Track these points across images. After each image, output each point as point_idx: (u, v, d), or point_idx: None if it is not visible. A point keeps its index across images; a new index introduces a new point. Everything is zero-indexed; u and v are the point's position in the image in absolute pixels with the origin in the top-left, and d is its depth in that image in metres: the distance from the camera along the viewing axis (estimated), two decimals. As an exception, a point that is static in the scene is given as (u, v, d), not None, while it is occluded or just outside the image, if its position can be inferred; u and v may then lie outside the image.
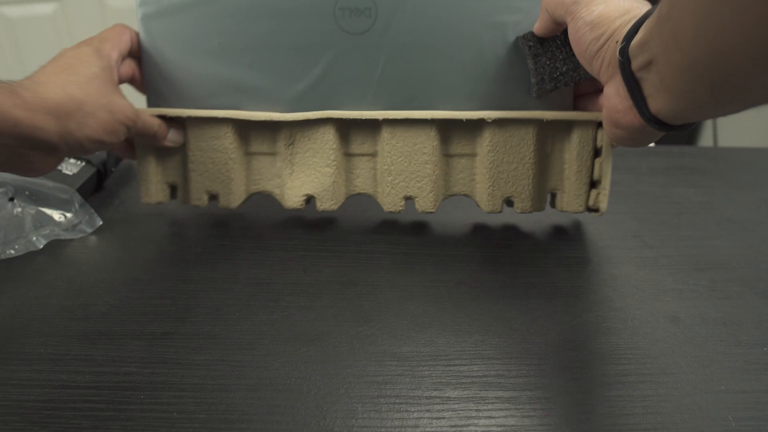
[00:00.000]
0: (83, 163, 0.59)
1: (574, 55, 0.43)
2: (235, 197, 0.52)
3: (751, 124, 1.48)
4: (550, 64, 0.46)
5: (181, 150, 0.51)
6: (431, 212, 0.51)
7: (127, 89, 0.48)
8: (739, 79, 0.26)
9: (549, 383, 0.35)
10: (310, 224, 0.54)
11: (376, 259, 0.48)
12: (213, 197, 0.53)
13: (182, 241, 0.51)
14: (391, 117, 0.48)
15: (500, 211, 0.51)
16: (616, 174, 0.66)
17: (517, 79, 0.48)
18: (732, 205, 0.60)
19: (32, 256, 0.48)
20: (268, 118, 0.48)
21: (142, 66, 0.49)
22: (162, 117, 0.49)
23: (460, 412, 0.33)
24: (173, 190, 0.54)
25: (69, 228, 0.52)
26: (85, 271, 0.46)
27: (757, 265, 0.48)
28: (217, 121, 0.49)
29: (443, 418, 0.32)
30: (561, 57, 0.46)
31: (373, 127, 0.49)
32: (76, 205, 0.53)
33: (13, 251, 0.48)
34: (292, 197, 0.51)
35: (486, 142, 0.49)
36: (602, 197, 0.50)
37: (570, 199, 0.51)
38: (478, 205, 0.52)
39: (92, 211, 0.54)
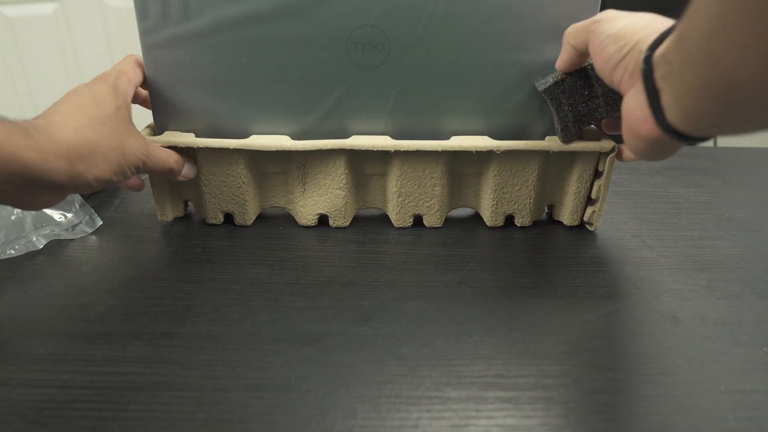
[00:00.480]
0: (83, 163, 0.59)
1: (595, 95, 0.46)
2: (250, 215, 0.53)
3: (751, 124, 1.48)
4: (572, 109, 0.46)
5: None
6: (438, 227, 0.53)
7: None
8: (749, 103, 0.26)
9: (549, 383, 0.35)
10: (310, 225, 0.53)
11: (376, 259, 0.48)
12: (228, 215, 0.54)
13: (182, 241, 0.51)
14: (402, 149, 0.48)
15: (502, 225, 0.54)
16: (616, 174, 0.67)
17: (526, 111, 0.49)
18: (732, 205, 0.60)
19: (32, 256, 0.48)
20: (279, 148, 0.48)
21: (149, 93, 0.49)
22: (174, 147, 0.49)
23: (460, 412, 0.33)
24: (187, 204, 0.55)
25: (69, 228, 0.52)
26: (85, 271, 0.46)
27: (756, 265, 0.48)
28: (229, 149, 0.49)
29: (443, 418, 0.32)
30: (582, 99, 0.46)
31: (384, 152, 0.50)
32: (76, 205, 0.53)
33: (13, 251, 0.48)
34: (306, 215, 0.53)
35: (493, 166, 0.50)
36: (597, 215, 0.52)
37: (567, 214, 0.53)
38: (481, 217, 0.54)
39: (92, 211, 0.54)
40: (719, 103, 0.27)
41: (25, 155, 0.35)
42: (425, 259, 0.49)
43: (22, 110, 1.45)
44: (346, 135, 0.50)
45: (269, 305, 0.42)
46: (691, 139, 0.33)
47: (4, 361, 0.36)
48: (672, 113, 0.32)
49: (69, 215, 0.52)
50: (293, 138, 0.49)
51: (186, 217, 0.55)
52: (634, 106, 0.35)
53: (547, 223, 0.56)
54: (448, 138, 0.50)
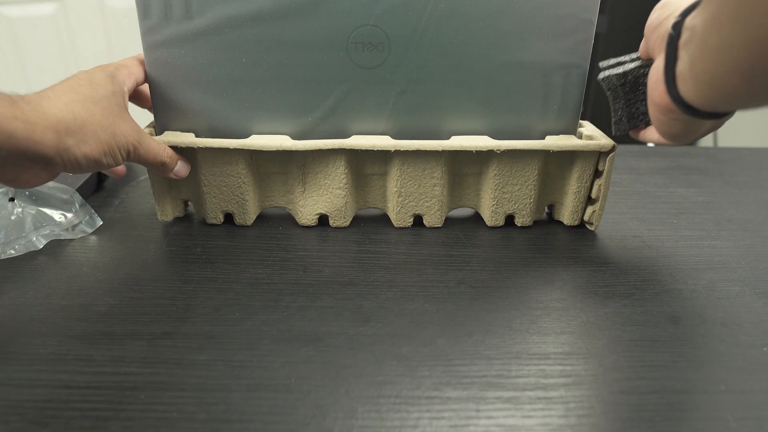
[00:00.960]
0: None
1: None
2: (250, 215, 0.53)
3: (751, 124, 1.48)
4: (628, 107, 0.46)
5: (195, 171, 0.51)
6: (438, 227, 0.53)
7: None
8: None
9: (549, 383, 0.35)
10: (310, 224, 0.53)
11: (376, 259, 0.48)
12: (228, 215, 0.54)
13: (182, 241, 0.51)
14: (403, 148, 0.48)
15: (502, 225, 0.54)
16: (616, 174, 0.67)
17: (526, 111, 0.49)
18: (732, 205, 0.60)
19: (32, 256, 0.48)
20: (279, 148, 0.48)
21: (150, 92, 0.49)
22: (174, 147, 0.49)
23: (460, 412, 0.33)
24: (187, 203, 0.55)
25: (69, 228, 0.52)
26: (85, 271, 0.46)
27: (756, 265, 0.48)
28: (229, 149, 0.49)
29: (443, 418, 0.32)
30: (640, 97, 0.45)
31: (384, 152, 0.50)
32: (77, 205, 0.53)
33: (13, 251, 0.48)
34: (306, 215, 0.53)
35: (493, 166, 0.50)
36: (597, 215, 0.52)
37: (567, 214, 0.54)
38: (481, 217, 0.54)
39: (92, 211, 0.54)
40: (744, 67, 0.27)
41: (11, 125, 0.35)
42: (425, 259, 0.49)
43: (22, 110, 1.45)
44: (346, 135, 0.50)
45: (269, 305, 0.42)
46: (700, 114, 0.33)
47: (4, 361, 0.36)
48: (683, 82, 0.32)
49: (69, 215, 0.52)
50: (293, 138, 0.49)
51: (186, 217, 0.55)
52: (653, 71, 0.35)
53: (547, 223, 0.56)
54: (448, 138, 0.50)
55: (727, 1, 0.27)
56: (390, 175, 0.51)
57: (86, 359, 0.36)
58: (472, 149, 0.49)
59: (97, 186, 0.61)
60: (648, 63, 0.42)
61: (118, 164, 0.43)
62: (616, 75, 0.44)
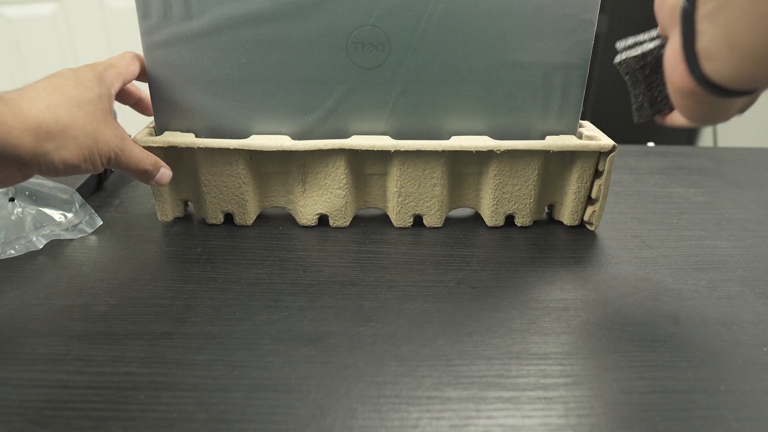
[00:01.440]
0: (83, 163, 0.59)
1: None
2: (250, 215, 0.53)
3: (751, 124, 1.48)
4: (649, 92, 0.42)
5: (194, 171, 0.51)
6: (438, 227, 0.53)
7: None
8: None
9: (549, 383, 0.35)
10: (310, 224, 0.53)
11: (376, 259, 0.48)
12: (228, 215, 0.54)
13: (182, 241, 0.51)
14: (403, 149, 0.48)
15: (502, 225, 0.54)
16: (616, 174, 0.67)
17: (526, 111, 0.49)
18: (732, 205, 0.60)
19: (32, 256, 0.48)
20: (279, 148, 0.48)
21: (150, 92, 0.49)
22: (173, 147, 0.49)
23: (460, 412, 0.33)
24: (187, 203, 0.55)
25: (69, 228, 0.52)
26: (85, 271, 0.46)
27: (756, 265, 0.48)
28: (229, 149, 0.49)
29: (443, 418, 0.32)
30: (663, 79, 0.40)
31: (384, 152, 0.50)
32: (77, 205, 0.53)
33: (13, 251, 0.48)
34: (306, 215, 0.53)
35: (493, 166, 0.50)
36: (597, 215, 0.52)
37: (567, 214, 0.53)
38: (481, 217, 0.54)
39: (92, 211, 0.54)
40: None
41: None
42: (425, 259, 0.49)
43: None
44: (346, 135, 0.50)
45: (269, 305, 0.42)
46: (731, 93, 0.30)
47: (4, 361, 0.36)
48: (711, 60, 0.28)
49: (69, 215, 0.52)
50: (293, 138, 0.49)
51: (186, 217, 0.55)
52: (670, 53, 0.32)
53: (547, 223, 0.56)
54: (448, 138, 0.50)
55: None
56: (390, 175, 0.51)
57: (86, 359, 0.36)
58: (472, 149, 0.49)
59: (97, 186, 0.61)
60: (661, 48, 0.39)
61: (97, 171, 0.42)
62: (634, 57, 0.40)
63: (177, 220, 0.55)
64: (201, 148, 0.49)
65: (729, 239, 0.53)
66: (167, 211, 0.53)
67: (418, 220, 0.54)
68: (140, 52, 0.48)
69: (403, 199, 0.52)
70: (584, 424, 0.32)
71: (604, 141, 0.49)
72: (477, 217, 0.56)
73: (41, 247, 0.49)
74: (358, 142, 0.48)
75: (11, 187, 0.51)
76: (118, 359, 0.36)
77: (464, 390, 0.34)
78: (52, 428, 0.31)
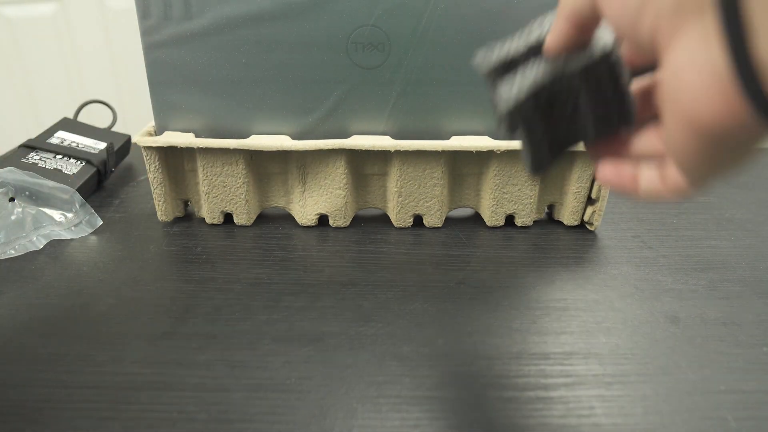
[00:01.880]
0: (83, 163, 0.59)
1: (581, 106, 0.29)
2: (250, 215, 0.53)
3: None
4: (549, 131, 0.30)
5: (194, 172, 0.51)
6: (438, 227, 0.53)
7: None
8: None
9: (549, 383, 0.35)
10: (310, 225, 0.53)
11: (376, 259, 0.48)
12: (228, 215, 0.54)
13: (182, 241, 0.51)
14: (403, 149, 0.48)
15: (502, 225, 0.54)
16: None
17: None
18: (732, 205, 0.60)
19: (32, 256, 0.48)
20: (279, 148, 0.48)
21: (150, 92, 0.49)
22: (173, 147, 0.49)
23: (460, 412, 0.33)
24: (187, 203, 0.55)
25: (69, 228, 0.52)
26: (85, 271, 0.46)
27: (756, 265, 0.48)
28: (229, 149, 0.49)
29: (443, 418, 0.32)
30: (565, 115, 0.29)
31: (384, 152, 0.50)
32: (77, 205, 0.53)
33: (13, 251, 0.48)
34: (306, 215, 0.53)
35: (493, 166, 0.50)
36: (597, 215, 0.52)
37: (567, 214, 0.54)
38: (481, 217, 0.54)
39: (92, 211, 0.54)
40: None
41: None
42: (425, 259, 0.49)
43: (22, 110, 1.45)
44: (346, 135, 0.50)
45: (269, 305, 0.42)
46: None
47: (4, 361, 0.36)
48: None
49: (69, 215, 0.52)
50: (293, 138, 0.49)
51: (186, 217, 0.55)
52: (687, 69, 0.20)
53: (547, 223, 0.56)
54: (448, 138, 0.50)
55: None
56: (390, 175, 0.51)
57: (86, 359, 0.36)
58: (472, 149, 0.49)
59: (97, 186, 0.61)
60: (607, 50, 0.27)
61: None
62: (527, 97, 0.28)
63: (177, 220, 0.55)
64: (201, 148, 0.49)
65: (729, 239, 0.53)
66: (167, 211, 0.53)
67: (418, 220, 0.54)
68: (140, 52, 0.48)
69: (403, 199, 0.52)
70: (584, 424, 0.32)
71: None
72: (477, 217, 0.56)
73: (41, 247, 0.49)
74: (358, 142, 0.48)
75: (11, 187, 0.51)
76: (118, 359, 0.36)
77: (464, 390, 0.34)
78: (52, 428, 0.31)
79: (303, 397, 0.34)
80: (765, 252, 0.51)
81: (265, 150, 0.48)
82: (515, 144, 0.49)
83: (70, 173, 0.57)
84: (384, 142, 0.48)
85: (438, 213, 0.53)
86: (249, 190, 0.51)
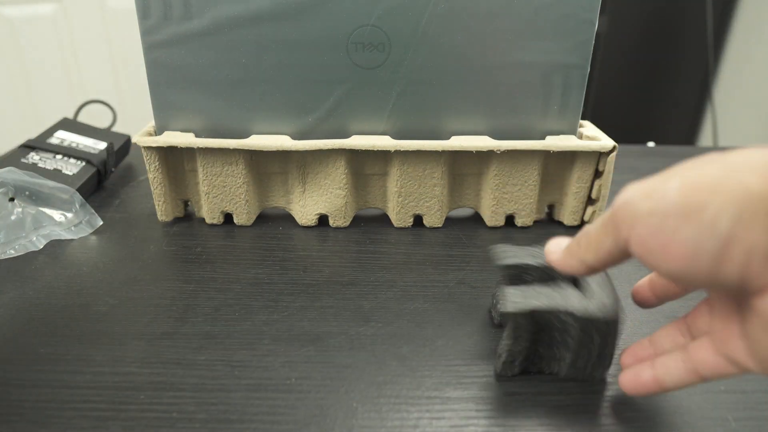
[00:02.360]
0: (83, 163, 0.59)
1: (573, 338, 0.32)
2: (250, 215, 0.53)
3: (751, 124, 1.48)
4: (531, 346, 0.34)
5: (194, 172, 0.51)
6: (438, 227, 0.53)
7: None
8: None
9: (549, 383, 0.35)
10: (310, 225, 0.53)
11: (376, 259, 0.48)
12: (228, 215, 0.54)
13: (182, 241, 0.51)
14: (403, 149, 0.48)
15: (502, 225, 0.54)
16: (616, 174, 0.66)
17: (526, 111, 0.49)
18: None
19: (32, 256, 0.48)
20: (279, 148, 0.48)
21: (150, 92, 0.49)
22: (173, 147, 0.49)
23: (460, 412, 0.33)
24: (187, 203, 0.55)
25: (69, 228, 0.52)
26: (85, 271, 0.46)
27: (757, 265, 0.48)
28: (229, 149, 0.49)
29: (443, 418, 0.32)
30: (551, 338, 0.33)
31: (384, 152, 0.50)
32: (77, 206, 0.53)
33: (13, 251, 0.48)
34: (306, 215, 0.53)
35: (493, 166, 0.50)
36: (598, 215, 0.52)
37: (567, 214, 0.54)
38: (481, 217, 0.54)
39: (92, 211, 0.54)
40: None
41: None
42: (425, 259, 0.49)
43: (22, 110, 1.45)
44: (346, 135, 0.50)
45: (269, 305, 0.42)
46: None
47: (4, 361, 0.36)
48: None
49: (69, 215, 0.52)
50: (293, 138, 0.49)
51: (186, 217, 0.55)
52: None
53: (547, 223, 0.56)
54: (448, 138, 0.50)
55: None
56: (390, 175, 0.51)
57: (86, 359, 0.36)
58: (472, 149, 0.49)
59: (97, 186, 0.61)
60: (610, 316, 0.31)
61: None
62: (532, 310, 0.31)
63: (177, 220, 0.55)
64: (201, 148, 0.49)
65: (729, 239, 0.53)
66: (167, 211, 0.53)
67: (418, 220, 0.54)
68: (140, 52, 0.48)
69: (403, 199, 0.52)
70: (585, 424, 0.32)
71: (605, 141, 0.49)
72: (477, 217, 0.56)
73: (41, 247, 0.49)
74: (358, 142, 0.48)
75: (11, 187, 0.51)
76: (118, 359, 0.36)
77: (464, 390, 0.34)
78: (52, 428, 0.31)
79: (303, 397, 0.34)
80: (765, 252, 0.50)
81: (265, 150, 0.48)
82: (515, 144, 0.49)
83: (70, 173, 0.57)
84: (384, 142, 0.48)
85: (438, 213, 0.53)
86: (249, 190, 0.51)
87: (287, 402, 0.33)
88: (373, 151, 0.49)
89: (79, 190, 0.55)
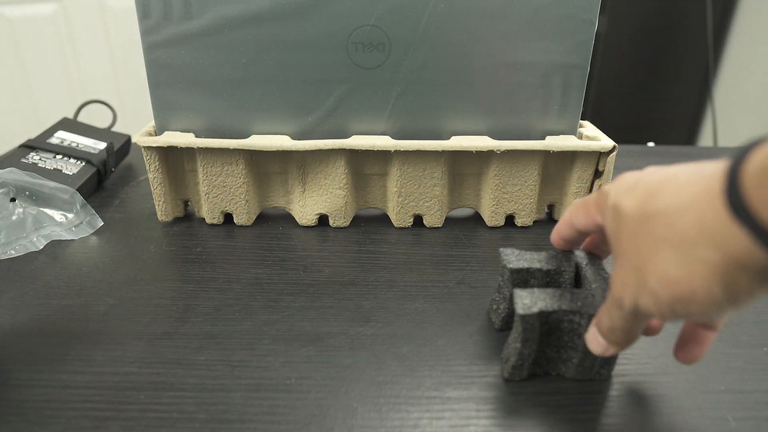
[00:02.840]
0: (83, 163, 0.59)
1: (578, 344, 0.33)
2: (250, 215, 0.53)
3: (751, 124, 1.48)
4: (540, 348, 0.35)
5: (194, 172, 0.51)
6: (438, 227, 0.53)
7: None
8: None
9: (548, 383, 0.35)
10: (310, 225, 0.53)
11: (376, 259, 0.48)
12: (228, 215, 0.53)
13: (182, 241, 0.51)
14: (403, 149, 0.48)
15: (502, 225, 0.53)
16: (617, 174, 0.66)
17: (526, 111, 0.49)
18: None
19: (32, 256, 0.48)
20: (279, 148, 0.48)
21: (150, 92, 0.49)
22: (173, 147, 0.49)
23: (460, 412, 0.33)
24: (187, 203, 0.55)
25: (70, 228, 0.52)
26: (85, 271, 0.46)
27: (757, 265, 0.48)
28: (229, 149, 0.49)
29: (443, 418, 0.32)
30: (562, 341, 0.34)
31: (384, 152, 0.50)
32: (77, 206, 0.53)
33: (13, 251, 0.48)
34: (306, 215, 0.53)
35: (493, 166, 0.50)
36: None
37: None
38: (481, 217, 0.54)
39: (93, 211, 0.54)
40: None
41: None
42: (425, 259, 0.49)
43: (22, 110, 1.45)
44: (346, 135, 0.50)
45: (269, 305, 0.42)
46: None
47: (4, 361, 0.36)
48: None
49: (70, 215, 0.52)
50: (293, 138, 0.50)
51: (186, 217, 0.55)
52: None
53: (547, 223, 0.56)
54: (448, 138, 0.50)
55: None
56: (390, 175, 0.51)
57: (86, 359, 0.36)
58: (472, 149, 0.49)
59: (97, 186, 0.61)
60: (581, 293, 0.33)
61: None
62: (553, 311, 0.32)
63: (177, 220, 0.55)
64: (201, 148, 0.49)
65: (729, 239, 0.53)
66: (167, 211, 0.53)
67: (418, 220, 0.54)
68: (140, 52, 0.48)
69: (403, 199, 0.52)
70: (585, 424, 0.32)
71: (605, 141, 0.49)
72: (477, 217, 0.56)
73: (41, 247, 0.49)
74: (358, 142, 0.48)
75: (12, 188, 0.51)
76: (118, 359, 0.36)
77: (464, 390, 0.34)
78: (52, 428, 0.31)
79: (303, 397, 0.34)
80: (765, 252, 0.50)
81: (265, 150, 0.48)
82: (515, 144, 0.49)
83: (70, 173, 0.57)
84: (384, 142, 0.48)
85: (438, 213, 0.53)
86: (249, 190, 0.51)
87: (287, 402, 0.33)
88: (373, 151, 0.49)
89: (79, 190, 0.55)
